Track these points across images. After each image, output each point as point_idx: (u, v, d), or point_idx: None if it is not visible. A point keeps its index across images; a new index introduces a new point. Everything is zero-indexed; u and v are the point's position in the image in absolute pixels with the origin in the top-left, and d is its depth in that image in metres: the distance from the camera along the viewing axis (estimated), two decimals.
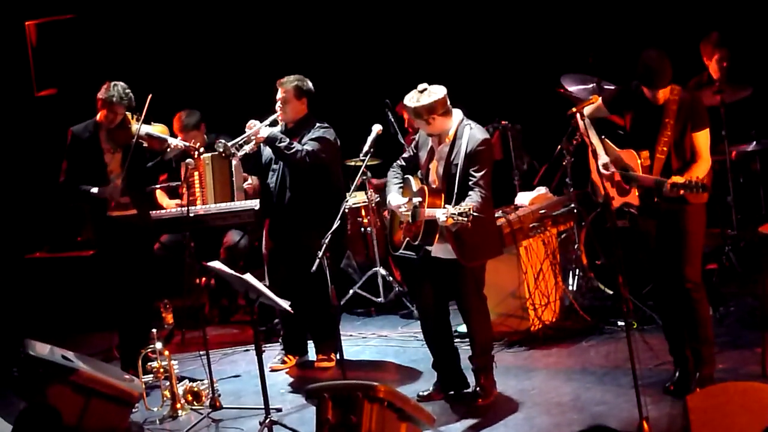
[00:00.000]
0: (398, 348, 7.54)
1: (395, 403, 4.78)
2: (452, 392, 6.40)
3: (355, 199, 8.44)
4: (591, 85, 7.90)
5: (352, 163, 8.24)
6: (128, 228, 7.13)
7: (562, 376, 6.62)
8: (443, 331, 6.38)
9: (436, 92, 6.02)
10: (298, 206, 7.02)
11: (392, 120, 8.31)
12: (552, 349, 7.07)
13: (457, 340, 6.56)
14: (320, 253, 6.03)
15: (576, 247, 7.81)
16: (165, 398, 6.65)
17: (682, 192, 5.58)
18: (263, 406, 6.03)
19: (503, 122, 8.63)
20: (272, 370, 7.19)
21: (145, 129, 7.08)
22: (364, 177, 8.06)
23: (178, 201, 8.08)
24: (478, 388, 6.29)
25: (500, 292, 7.23)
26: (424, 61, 9.33)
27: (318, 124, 7.05)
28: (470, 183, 5.97)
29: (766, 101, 8.14)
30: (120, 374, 6.56)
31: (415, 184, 6.24)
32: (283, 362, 7.31)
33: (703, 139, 5.80)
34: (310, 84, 7.11)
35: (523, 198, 7.91)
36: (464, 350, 6.52)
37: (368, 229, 8.48)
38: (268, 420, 6.01)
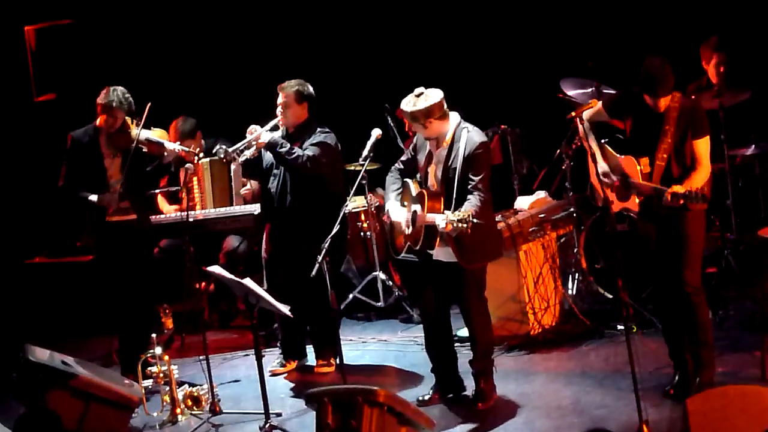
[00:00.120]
0: (398, 352, 7.53)
1: (395, 407, 4.79)
2: (451, 396, 6.40)
3: (355, 203, 8.44)
4: (590, 89, 7.91)
5: (352, 168, 8.24)
6: (128, 233, 7.13)
7: (561, 379, 6.62)
8: (444, 335, 6.38)
9: (433, 96, 6.03)
10: (299, 211, 7.01)
11: (392, 124, 8.31)
12: (552, 353, 7.07)
13: (456, 344, 6.57)
14: (320, 258, 6.03)
15: (575, 251, 7.81)
16: (165, 403, 6.65)
17: (682, 201, 5.58)
18: (263, 411, 6.04)
19: (502, 126, 8.63)
20: (272, 374, 7.19)
21: (145, 133, 7.08)
22: (364, 182, 8.06)
23: (177, 206, 8.08)
24: (478, 392, 6.29)
25: (500, 295, 7.23)
26: (423, 66, 9.33)
27: (319, 129, 7.04)
28: (469, 187, 5.97)
29: (765, 105, 8.14)
30: (119, 379, 6.56)
31: (414, 188, 6.24)
32: (282, 366, 7.31)
33: (703, 146, 5.80)
34: (311, 88, 7.11)
35: (522, 202, 7.92)
36: (463, 354, 6.53)
37: (368, 233, 8.48)
38: (268, 425, 6.01)
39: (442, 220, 5.77)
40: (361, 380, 6.77)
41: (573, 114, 5.87)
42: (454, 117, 6.14)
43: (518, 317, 7.35)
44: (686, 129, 5.76)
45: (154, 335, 6.71)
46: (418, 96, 6.05)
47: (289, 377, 7.25)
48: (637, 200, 5.86)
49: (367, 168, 6.82)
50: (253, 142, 7.02)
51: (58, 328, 8.55)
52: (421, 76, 6.59)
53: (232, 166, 7.60)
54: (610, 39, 9.00)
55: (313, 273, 6.03)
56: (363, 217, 8.54)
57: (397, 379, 7.00)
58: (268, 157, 7.13)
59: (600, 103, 6.09)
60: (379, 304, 8.39)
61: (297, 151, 6.90)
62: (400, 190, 6.33)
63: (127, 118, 7.09)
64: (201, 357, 6.74)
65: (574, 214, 7.81)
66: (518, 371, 6.80)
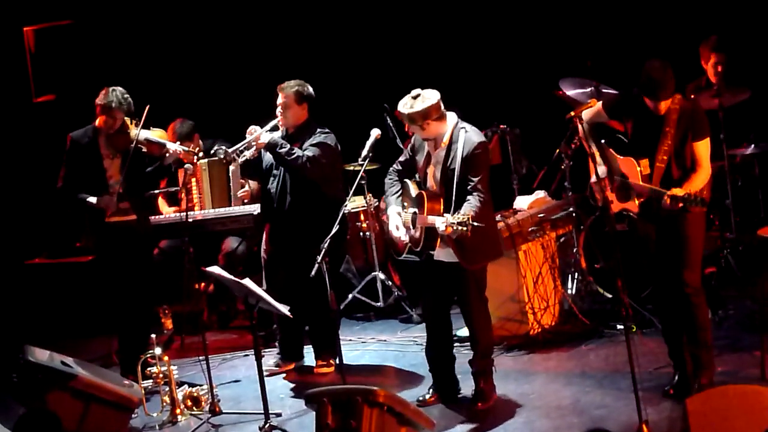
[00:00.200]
0: (398, 352, 7.53)
1: (395, 407, 4.78)
2: (451, 396, 6.40)
3: (354, 203, 8.44)
4: (589, 89, 7.90)
5: (351, 168, 8.24)
6: (127, 233, 7.12)
7: (561, 379, 6.62)
8: (444, 335, 6.38)
9: (430, 97, 6.02)
10: (299, 211, 7.01)
11: (391, 124, 8.31)
12: (551, 353, 7.07)
13: (456, 344, 6.57)
14: (319, 258, 6.03)
15: (575, 250, 7.80)
16: (164, 404, 6.65)
17: (681, 205, 5.58)
18: (263, 411, 6.03)
19: (502, 126, 8.63)
20: (268, 375, 7.18)
21: (144, 134, 7.07)
22: (364, 182, 8.06)
23: (176, 207, 8.08)
24: (478, 392, 6.29)
25: (499, 296, 7.23)
26: (422, 66, 9.33)
27: (319, 130, 7.04)
28: (468, 187, 5.97)
29: (765, 105, 8.14)
30: (119, 380, 6.56)
31: (413, 189, 6.24)
32: (278, 366, 7.31)
33: (703, 148, 5.80)
34: (311, 89, 7.10)
35: (521, 202, 7.92)
36: (463, 354, 6.53)
37: (367, 233, 8.48)
38: (267, 425, 6.01)
39: (441, 223, 5.77)
40: (360, 380, 6.77)
41: (572, 114, 5.87)
42: (452, 117, 6.14)
43: (518, 317, 7.35)
44: (686, 131, 5.76)
45: (153, 336, 6.71)
46: (414, 98, 6.04)
47: (288, 377, 7.25)
48: (636, 201, 5.86)
49: (367, 168, 6.81)
50: (253, 143, 7.02)
51: (58, 328, 8.55)
52: (420, 76, 6.60)
53: (231, 167, 7.59)
54: (609, 39, 9.01)
55: (313, 273, 6.03)
56: (362, 217, 8.54)
57: (397, 379, 7.00)
58: (267, 157, 7.13)
59: (599, 103, 6.09)
60: (379, 304, 8.39)
61: (297, 151, 6.90)
62: (400, 192, 6.33)
63: (126, 118, 7.09)
64: (200, 357, 6.74)
65: (574, 214, 7.81)
66: (518, 371, 6.80)
